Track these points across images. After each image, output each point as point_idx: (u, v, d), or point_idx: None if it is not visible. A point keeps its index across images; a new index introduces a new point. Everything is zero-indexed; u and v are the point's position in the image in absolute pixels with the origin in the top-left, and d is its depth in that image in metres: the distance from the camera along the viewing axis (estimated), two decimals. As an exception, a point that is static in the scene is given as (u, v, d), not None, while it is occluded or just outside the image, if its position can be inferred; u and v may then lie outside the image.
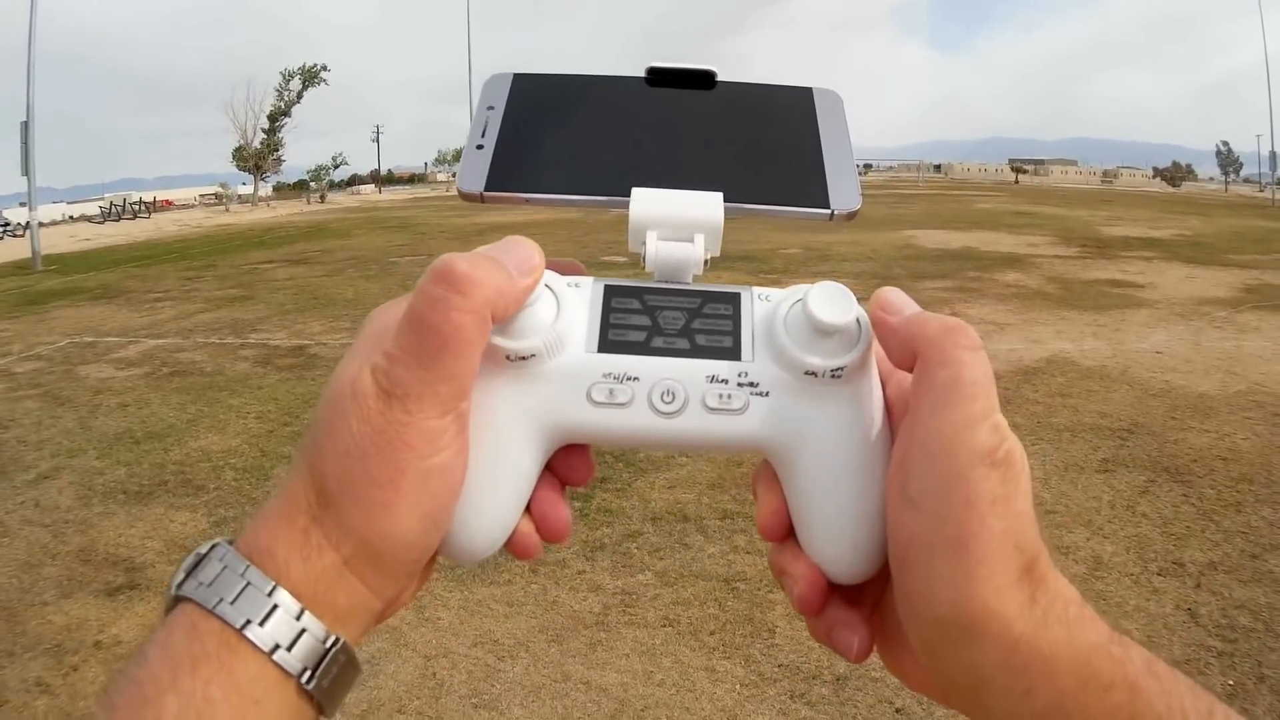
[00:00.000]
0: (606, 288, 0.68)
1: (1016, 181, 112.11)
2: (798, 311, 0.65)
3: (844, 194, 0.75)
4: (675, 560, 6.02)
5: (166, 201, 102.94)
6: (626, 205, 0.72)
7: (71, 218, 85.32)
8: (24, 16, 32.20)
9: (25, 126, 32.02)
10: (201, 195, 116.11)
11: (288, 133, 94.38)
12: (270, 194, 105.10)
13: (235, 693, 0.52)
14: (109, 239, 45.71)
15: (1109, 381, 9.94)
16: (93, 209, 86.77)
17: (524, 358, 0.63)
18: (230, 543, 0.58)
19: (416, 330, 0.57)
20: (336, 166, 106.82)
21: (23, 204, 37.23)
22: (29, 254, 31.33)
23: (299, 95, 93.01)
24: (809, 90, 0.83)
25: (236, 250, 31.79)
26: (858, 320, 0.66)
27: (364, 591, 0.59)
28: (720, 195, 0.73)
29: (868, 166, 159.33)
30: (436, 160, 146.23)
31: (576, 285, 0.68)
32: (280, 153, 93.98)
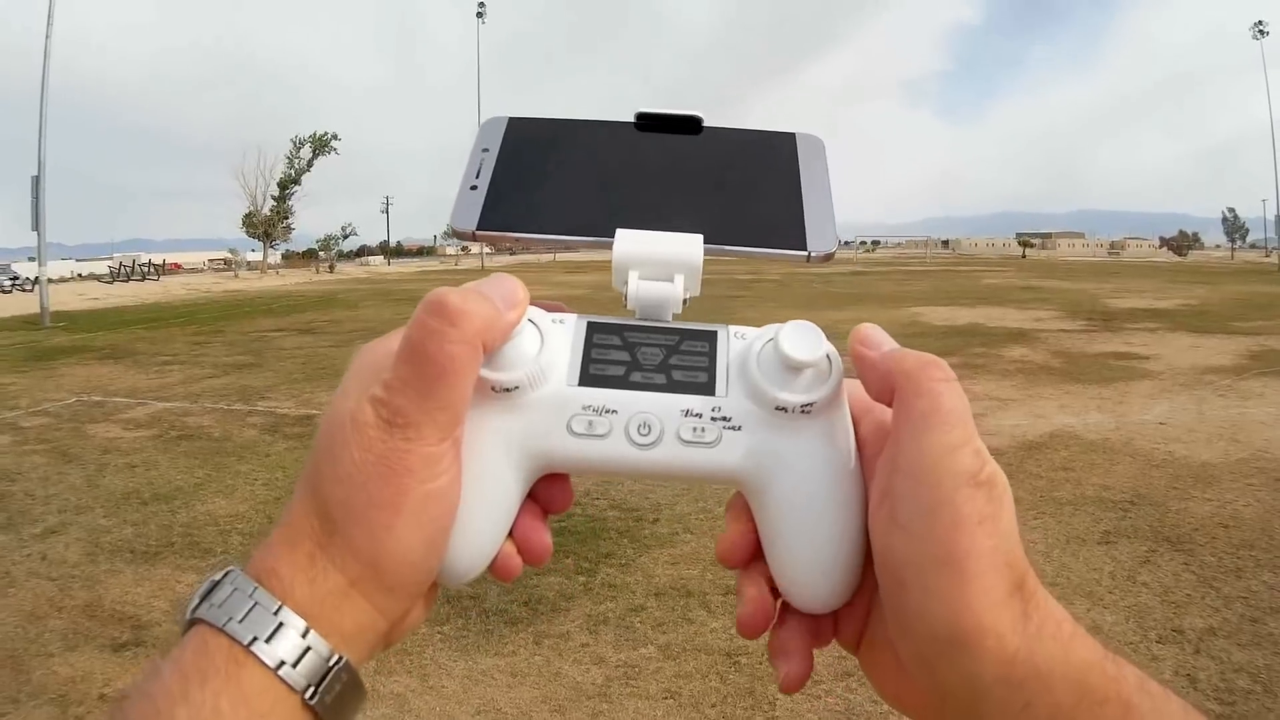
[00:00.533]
0: (589, 324, 0.71)
1: (1024, 255, 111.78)
2: (770, 349, 0.67)
3: (821, 237, 0.78)
4: (678, 634, 6.00)
5: (175, 265, 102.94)
6: (610, 245, 0.75)
7: (80, 275, 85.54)
8: (36, 69, 32.19)
9: (36, 180, 32.00)
10: (210, 260, 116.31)
11: (297, 200, 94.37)
12: (279, 261, 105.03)
13: (243, 705, 0.55)
14: (118, 299, 45.88)
15: (1112, 454, 9.91)
16: (101, 268, 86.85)
17: (509, 389, 0.66)
18: (244, 568, 0.61)
19: (414, 361, 0.60)
20: (346, 236, 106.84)
21: (31, 258, 37.24)
22: (38, 309, 31.41)
23: (309, 164, 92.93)
24: (792, 135, 0.86)
25: (245, 317, 31.87)
26: (828, 357, 0.68)
27: (370, 612, 0.62)
28: (700, 237, 0.75)
29: (875, 243, 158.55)
30: (445, 234, 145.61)
31: (561, 321, 0.70)
32: (290, 220, 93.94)
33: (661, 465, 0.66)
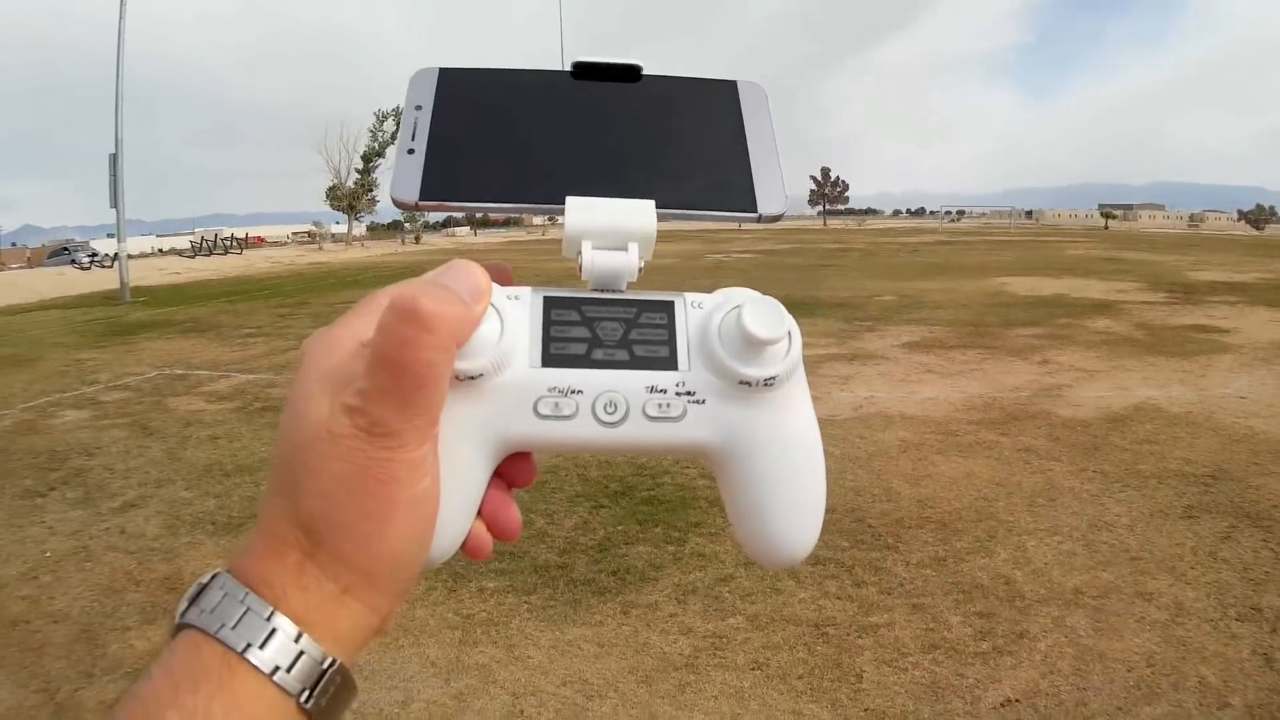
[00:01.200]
0: (545, 299, 0.70)
1: (1106, 227, 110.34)
2: (731, 324, 0.67)
3: (770, 198, 0.77)
4: (766, 605, 5.98)
5: (258, 238, 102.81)
6: (561, 212, 0.74)
7: (161, 251, 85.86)
8: (113, 50, 32.32)
9: (113, 158, 32.19)
10: (294, 233, 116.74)
11: (381, 173, 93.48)
12: (364, 233, 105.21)
13: (236, 710, 0.55)
14: (199, 273, 45.99)
15: (1194, 428, 9.83)
16: (183, 243, 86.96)
17: (473, 377, 0.65)
18: (230, 572, 0.61)
19: (390, 371, 0.59)
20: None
21: (111, 235, 37.40)
22: (117, 285, 31.58)
23: (393, 136, 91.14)
24: (733, 84, 0.85)
25: (330, 289, 31.93)
26: (789, 332, 0.67)
27: (363, 612, 0.61)
28: (652, 203, 0.75)
29: (960, 213, 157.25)
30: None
31: (516, 298, 0.69)
32: (374, 193, 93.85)
33: (629, 442, 0.67)
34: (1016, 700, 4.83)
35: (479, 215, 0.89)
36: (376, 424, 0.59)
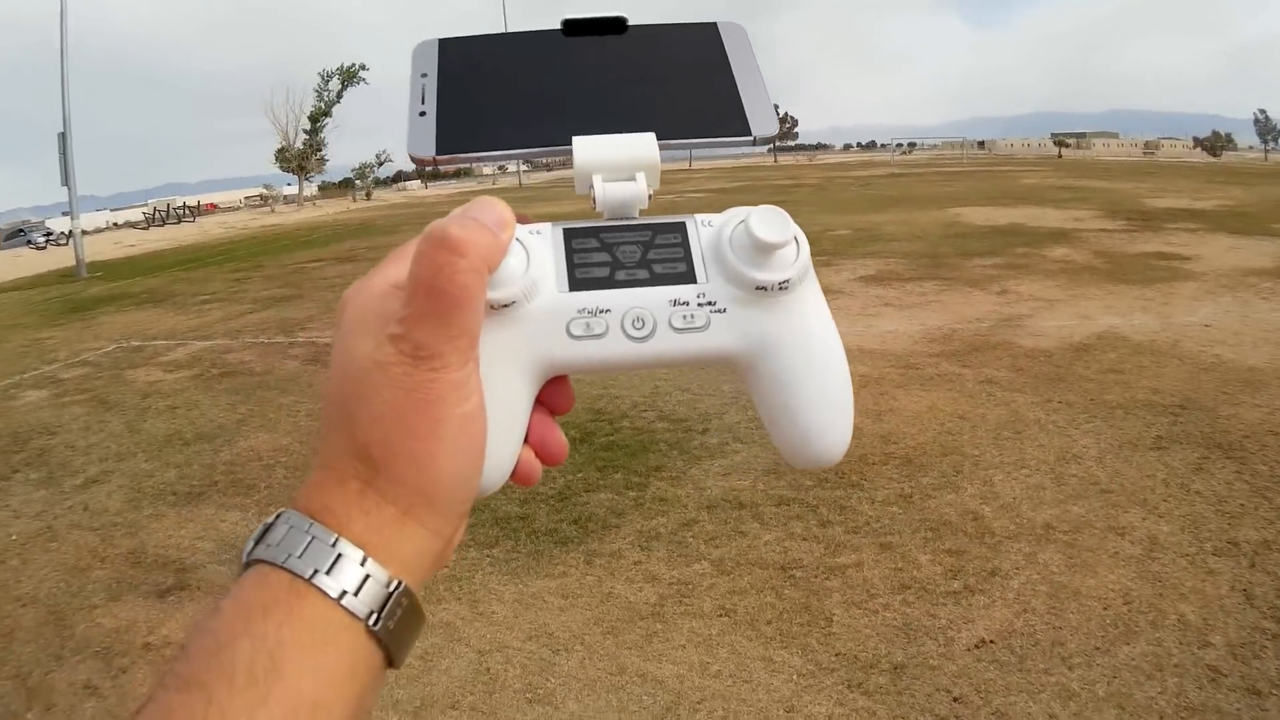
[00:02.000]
0: (565, 231, 0.73)
1: (1060, 155, 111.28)
2: (741, 233, 0.70)
3: (762, 120, 0.80)
4: (731, 548, 6.00)
5: (211, 205, 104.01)
6: (569, 153, 0.76)
7: (116, 224, 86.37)
8: (57, 27, 32.38)
9: (62, 137, 32.42)
10: (246, 197, 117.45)
11: (329, 132, 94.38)
12: (315, 193, 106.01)
13: (307, 634, 0.56)
14: (154, 244, 46.38)
15: (1159, 357, 9.87)
16: (137, 215, 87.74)
17: (506, 305, 0.67)
18: (294, 508, 0.62)
19: (429, 295, 0.61)
20: (381, 164, 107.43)
21: (65, 213, 37.54)
22: (73, 262, 31.73)
23: (338, 95, 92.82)
24: (714, 25, 0.88)
25: (284, 250, 32.17)
26: (795, 237, 0.71)
27: (425, 535, 0.63)
28: (653, 135, 0.77)
29: (912, 145, 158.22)
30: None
31: (538, 233, 0.72)
32: (323, 152, 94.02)
33: (659, 354, 0.70)
34: (991, 641, 4.83)
35: (465, 168, 0.84)
36: (420, 347, 0.61)
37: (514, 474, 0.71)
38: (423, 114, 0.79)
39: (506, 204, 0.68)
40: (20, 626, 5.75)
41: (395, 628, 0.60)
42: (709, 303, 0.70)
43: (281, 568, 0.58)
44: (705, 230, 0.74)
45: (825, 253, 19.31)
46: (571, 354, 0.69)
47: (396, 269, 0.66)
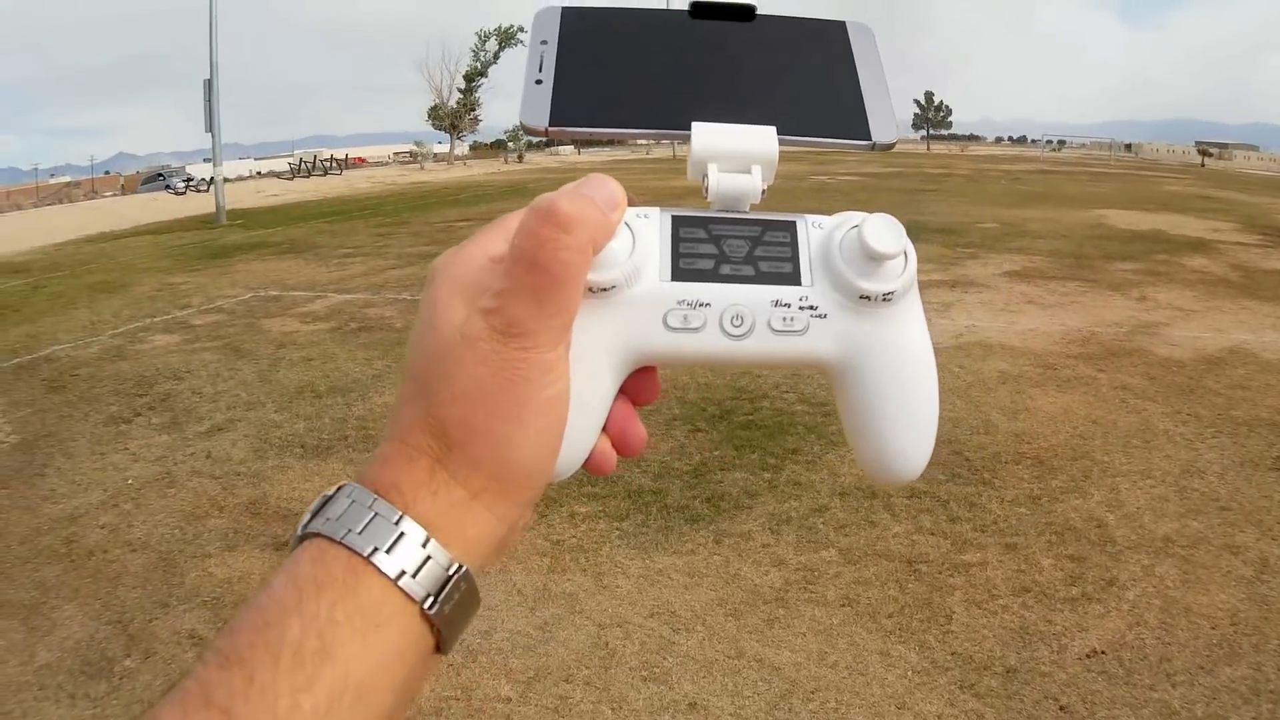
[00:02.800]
0: (674, 218, 0.72)
1: (1203, 164, 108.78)
2: (852, 240, 0.69)
3: (882, 127, 0.79)
4: (860, 538, 6.00)
5: (359, 159, 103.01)
6: (687, 138, 0.75)
7: (259, 174, 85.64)
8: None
9: (208, 84, 32.52)
10: (396, 153, 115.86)
11: (484, 93, 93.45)
12: (467, 153, 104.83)
13: (359, 615, 0.55)
14: (298, 195, 46.35)
15: (1287, 376, 9.66)
16: (281, 165, 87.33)
17: (605, 289, 0.67)
18: (358, 482, 0.62)
19: (529, 270, 0.61)
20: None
21: (207, 160, 37.75)
22: (213, 209, 31.89)
23: (495, 56, 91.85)
24: (843, 24, 0.86)
25: (431, 208, 31.98)
26: (905, 250, 0.69)
27: (491, 519, 0.62)
28: (774, 129, 0.76)
29: (1061, 143, 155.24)
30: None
31: (646, 217, 0.71)
32: (477, 112, 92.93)
33: (754, 354, 0.69)
34: (1102, 652, 4.80)
35: (597, 140, 0.88)
36: (512, 324, 0.61)
37: (588, 462, 0.71)
38: (539, 82, 0.78)
39: (620, 184, 0.68)
40: (128, 571, 5.82)
41: (451, 612, 0.60)
42: (810, 307, 0.69)
43: (340, 543, 0.57)
44: (815, 232, 0.73)
45: (973, 245, 19.11)
46: (665, 345, 0.68)
47: (495, 240, 0.66)
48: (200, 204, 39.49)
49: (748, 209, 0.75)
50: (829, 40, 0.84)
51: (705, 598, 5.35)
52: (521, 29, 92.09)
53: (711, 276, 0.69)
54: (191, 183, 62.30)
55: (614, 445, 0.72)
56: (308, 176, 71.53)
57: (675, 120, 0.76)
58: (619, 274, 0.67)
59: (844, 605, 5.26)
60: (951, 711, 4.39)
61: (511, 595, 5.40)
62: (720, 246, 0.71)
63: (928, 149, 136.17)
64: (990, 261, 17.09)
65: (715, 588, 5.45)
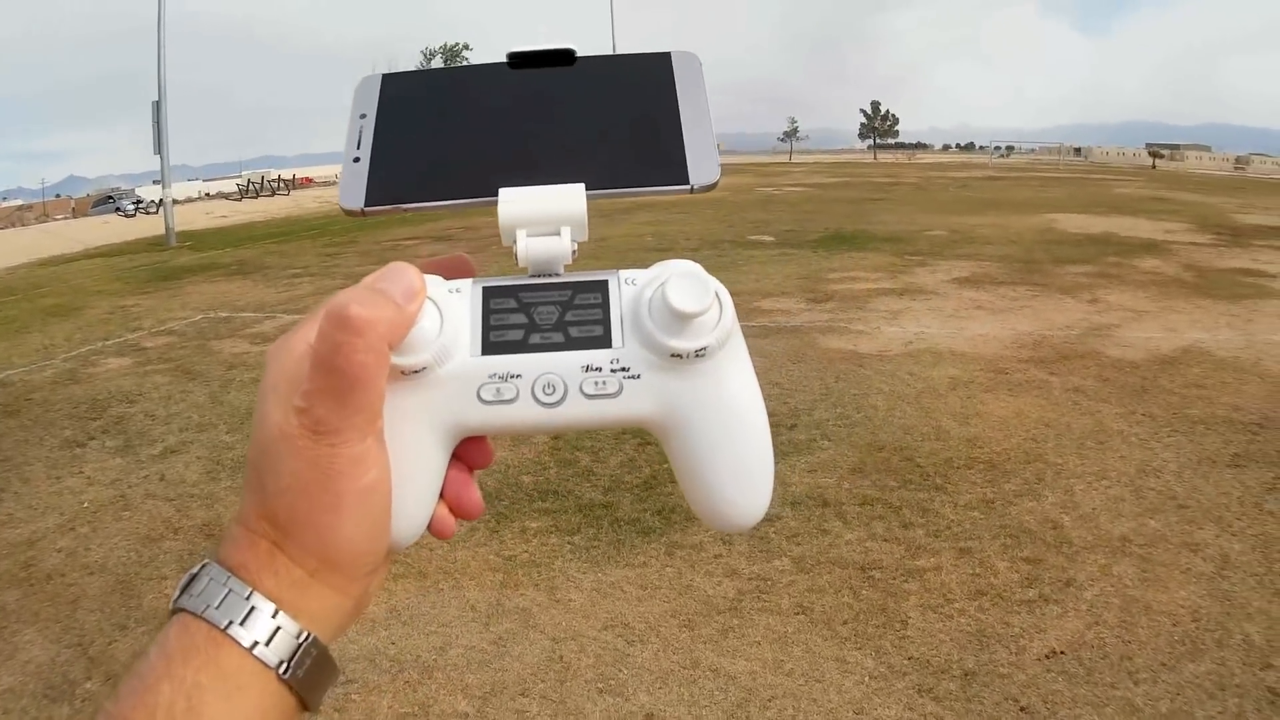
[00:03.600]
0: (484, 289, 0.73)
1: (1154, 166, 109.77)
2: (658, 299, 0.69)
3: (703, 168, 0.78)
4: (812, 546, 6.02)
5: (306, 179, 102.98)
6: (495, 205, 0.76)
7: (208, 195, 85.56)
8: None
9: (156, 106, 32.61)
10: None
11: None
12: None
13: (221, 680, 0.60)
14: (247, 215, 46.50)
15: (1242, 374, 9.77)
16: (230, 186, 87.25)
17: (417, 371, 0.68)
18: (216, 561, 0.66)
19: (326, 374, 0.62)
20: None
21: (157, 182, 37.76)
22: (163, 231, 31.86)
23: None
24: (667, 55, 0.86)
25: (380, 227, 31.86)
26: (717, 299, 0.69)
27: (332, 595, 0.66)
28: (582, 186, 0.76)
29: (1010, 149, 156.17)
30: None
31: (457, 290, 0.72)
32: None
33: (570, 420, 0.70)
34: (1062, 652, 4.82)
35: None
36: (319, 423, 0.63)
37: (430, 528, 0.73)
38: (356, 160, 0.80)
39: (418, 271, 0.69)
40: (86, 595, 5.83)
41: (305, 676, 0.64)
42: (623, 369, 0.70)
43: (200, 617, 0.62)
44: (628, 290, 0.73)
45: (921, 253, 19.24)
46: (481, 418, 0.70)
47: (315, 327, 0.66)
48: (150, 226, 39.58)
49: (561, 270, 0.76)
50: (650, 77, 0.85)
51: (659, 609, 5.36)
52: (467, 46, 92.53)
53: (521, 347, 0.70)
54: (141, 205, 62.43)
55: (451, 511, 0.74)
56: (255, 197, 71.41)
57: (484, 188, 0.77)
58: (429, 356, 0.68)
59: (798, 613, 5.26)
60: (910, 715, 4.40)
61: (465, 611, 5.40)
62: (530, 315, 0.72)
63: (875, 158, 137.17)
64: (939, 269, 17.27)
65: (669, 599, 5.46)
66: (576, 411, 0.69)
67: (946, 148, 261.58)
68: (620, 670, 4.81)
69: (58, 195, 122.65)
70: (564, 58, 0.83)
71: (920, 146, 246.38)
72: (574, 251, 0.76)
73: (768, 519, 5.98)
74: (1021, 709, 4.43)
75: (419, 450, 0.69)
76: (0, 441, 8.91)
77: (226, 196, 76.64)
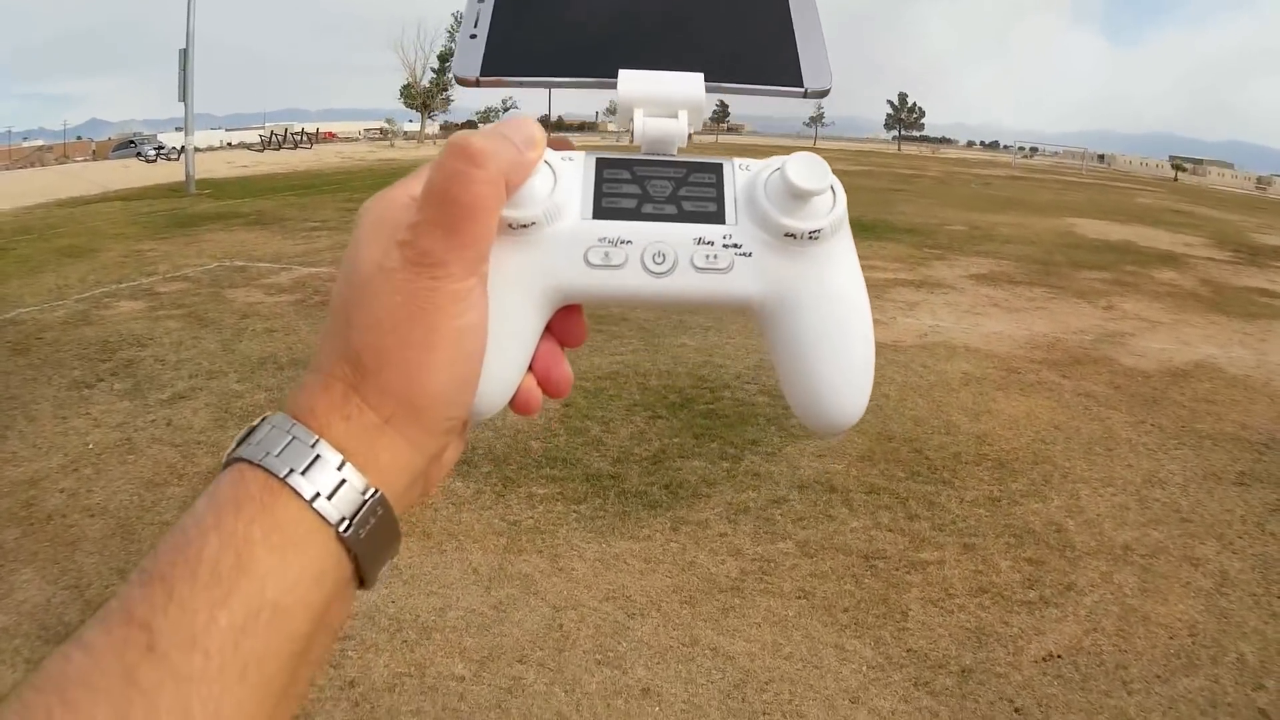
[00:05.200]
0: (598, 160, 0.73)
1: (1176, 179, 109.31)
2: (777, 179, 0.69)
3: (816, 73, 0.79)
4: (817, 531, 6.02)
5: (329, 134, 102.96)
6: (614, 85, 0.76)
7: (230, 144, 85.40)
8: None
9: (183, 54, 32.49)
10: (366, 129, 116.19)
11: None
12: (437, 132, 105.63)
13: (275, 533, 0.56)
14: (268, 167, 46.32)
15: (1252, 392, 9.78)
16: (252, 137, 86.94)
17: (525, 225, 0.67)
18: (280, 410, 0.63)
19: (441, 202, 0.62)
20: (506, 109, 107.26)
21: (179, 129, 37.68)
22: (183, 178, 31.78)
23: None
24: None
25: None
26: (832, 187, 0.69)
27: (405, 447, 0.63)
28: (701, 75, 0.77)
29: (1034, 150, 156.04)
30: (608, 110, 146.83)
31: (571, 159, 0.72)
32: (449, 93, 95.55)
33: (676, 292, 0.69)
34: (1059, 655, 4.83)
35: (544, 92, 0.87)
36: (425, 254, 0.61)
37: (514, 401, 0.71)
38: (473, 36, 0.80)
39: (539, 124, 0.69)
40: (86, 537, 5.81)
41: (366, 538, 0.60)
42: (734, 245, 0.69)
43: (258, 465, 0.58)
44: (742, 174, 0.72)
45: (940, 246, 19.25)
46: (587, 282, 0.69)
47: (417, 182, 0.66)
48: (170, 172, 39.48)
49: (675, 153, 0.75)
50: None
51: (661, 584, 5.36)
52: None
53: (634, 215, 0.70)
54: (162, 150, 61.99)
55: (540, 385, 0.73)
56: (278, 149, 71.14)
57: (604, 68, 0.77)
58: (539, 211, 0.67)
59: (800, 598, 5.26)
60: (905, 708, 4.40)
61: (467, 574, 5.40)
62: (644, 187, 0.71)
63: (899, 149, 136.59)
64: (957, 264, 17.25)
65: (671, 575, 5.46)
66: (684, 284, 0.68)
67: (971, 144, 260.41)
68: (619, 643, 4.82)
69: (79, 138, 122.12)
70: None
71: (945, 141, 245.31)
72: (690, 137, 0.76)
73: (775, 500, 5.96)
74: (1016, 710, 4.44)
75: (517, 311, 0.69)
76: (8, 379, 8.89)
77: (249, 147, 76.54)
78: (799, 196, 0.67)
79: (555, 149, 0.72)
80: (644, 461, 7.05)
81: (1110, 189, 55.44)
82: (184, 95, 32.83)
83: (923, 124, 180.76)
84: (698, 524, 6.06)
